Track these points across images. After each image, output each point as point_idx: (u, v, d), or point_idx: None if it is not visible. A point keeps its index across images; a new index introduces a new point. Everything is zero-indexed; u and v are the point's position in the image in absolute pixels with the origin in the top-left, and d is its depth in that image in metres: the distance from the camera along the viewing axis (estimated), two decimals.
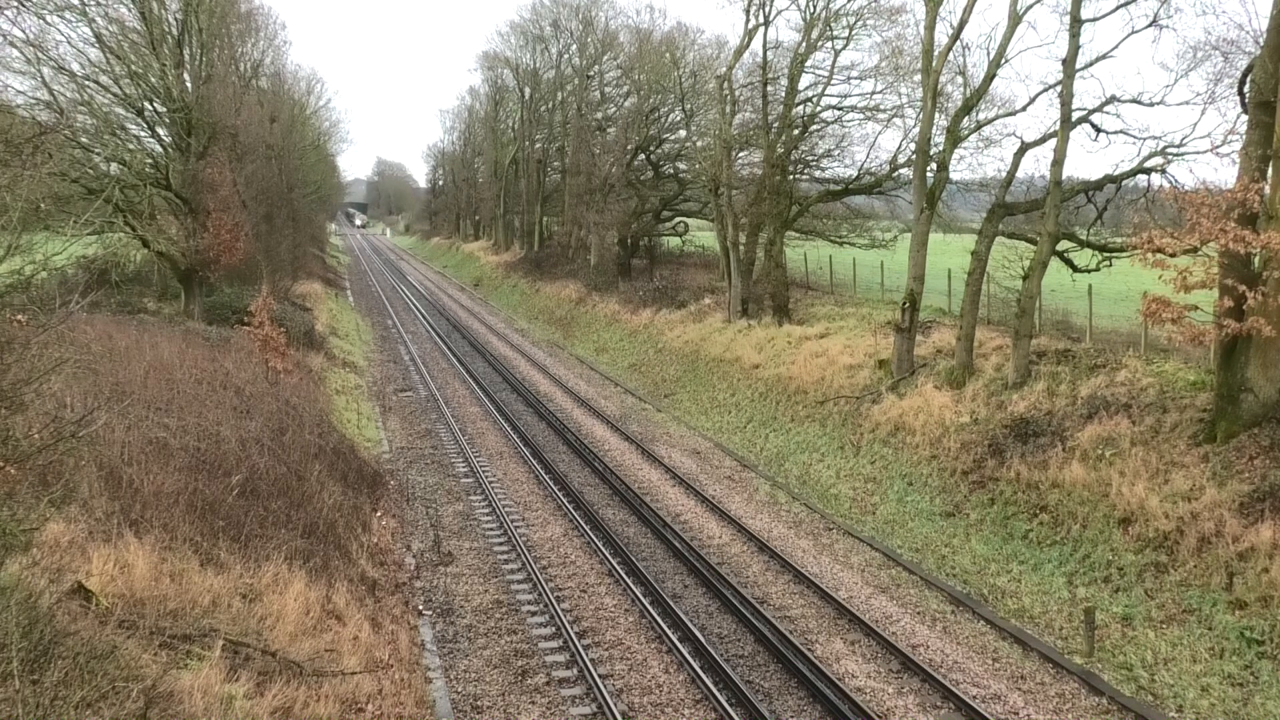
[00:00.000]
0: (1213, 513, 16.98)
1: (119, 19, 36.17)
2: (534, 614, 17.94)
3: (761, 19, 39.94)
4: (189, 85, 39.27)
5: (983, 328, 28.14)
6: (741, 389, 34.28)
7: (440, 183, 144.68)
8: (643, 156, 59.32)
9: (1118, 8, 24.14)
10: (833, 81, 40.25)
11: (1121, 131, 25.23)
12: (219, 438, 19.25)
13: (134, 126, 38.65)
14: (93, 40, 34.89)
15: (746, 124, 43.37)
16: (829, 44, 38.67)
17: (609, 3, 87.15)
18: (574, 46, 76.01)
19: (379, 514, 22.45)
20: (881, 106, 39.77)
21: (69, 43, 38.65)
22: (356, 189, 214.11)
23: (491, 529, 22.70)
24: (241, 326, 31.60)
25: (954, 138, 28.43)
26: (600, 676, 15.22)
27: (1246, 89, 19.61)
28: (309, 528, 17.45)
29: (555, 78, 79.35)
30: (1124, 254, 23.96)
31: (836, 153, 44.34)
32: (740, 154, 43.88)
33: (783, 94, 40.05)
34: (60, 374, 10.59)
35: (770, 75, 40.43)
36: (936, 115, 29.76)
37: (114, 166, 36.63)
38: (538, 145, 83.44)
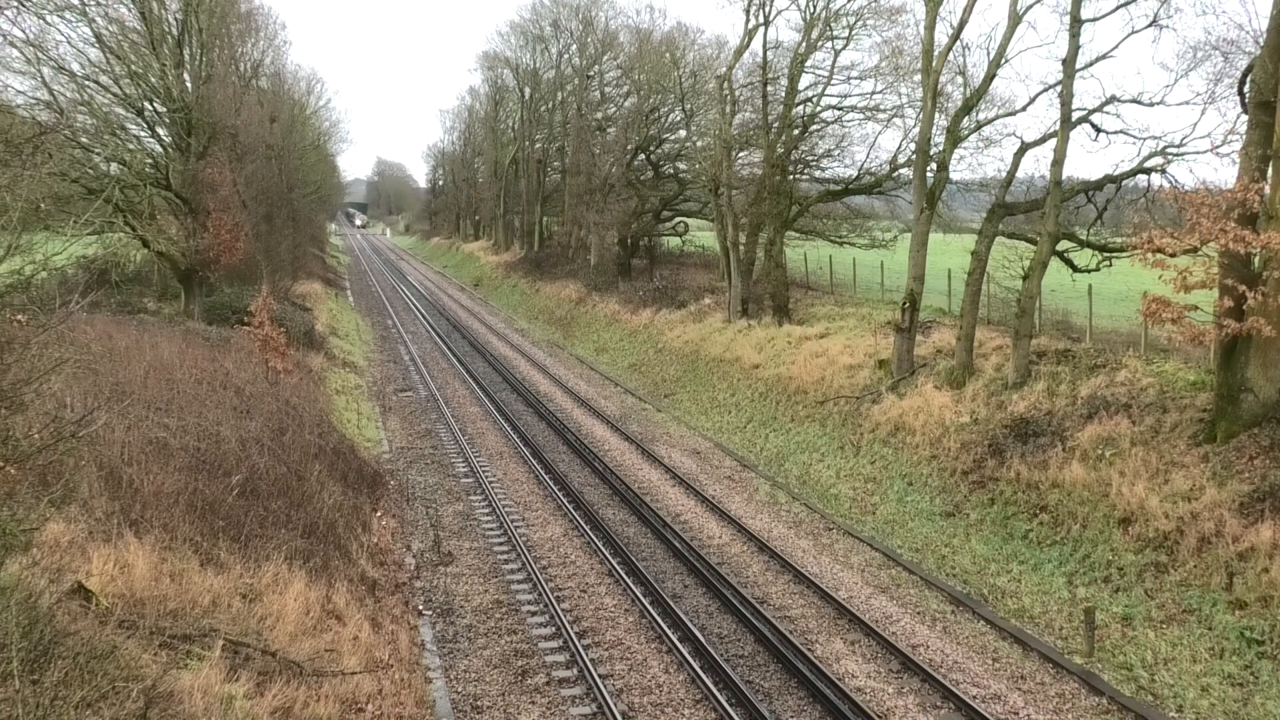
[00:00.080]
0: (1213, 513, 16.98)
1: (119, 19, 36.19)
2: (534, 614, 17.95)
3: (761, 19, 39.99)
4: (189, 85, 39.27)
5: (983, 328, 28.14)
6: (741, 389, 34.28)
7: (440, 183, 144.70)
8: (643, 156, 59.32)
9: (1118, 8, 24.16)
10: (833, 81, 40.31)
11: (1121, 131, 25.26)
12: (219, 438, 19.26)
13: (134, 126, 38.69)
14: (93, 40, 34.93)
15: (746, 124, 43.38)
16: (829, 44, 38.70)
17: (609, 3, 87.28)
18: (574, 46, 76.05)
19: (379, 514, 22.46)
20: (881, 106, 39.82)
21: (69, 43, 38.72)
22: (356, 189, 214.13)
23: (491, 529, 22.70)
24: (241, 326, 31.60)
25: (954, 138, 28.43)
26: (600, 676, 15.22)
27: (1246, 89, 19.61)
28: (309, 528, 17.45)
29: (555, 78, 79.36)
30: (1124, 254, 23.96)
31: (836, 153, 44.40)
32: (740, 154, 43.89)
33: (783, 94, 40.05)
34: (60, 374, 10.59)
35: (770, 75, 40.43)
36: (936, 115, 29.77)
37: (114, 166, 36.64)
38: (538, 145, 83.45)
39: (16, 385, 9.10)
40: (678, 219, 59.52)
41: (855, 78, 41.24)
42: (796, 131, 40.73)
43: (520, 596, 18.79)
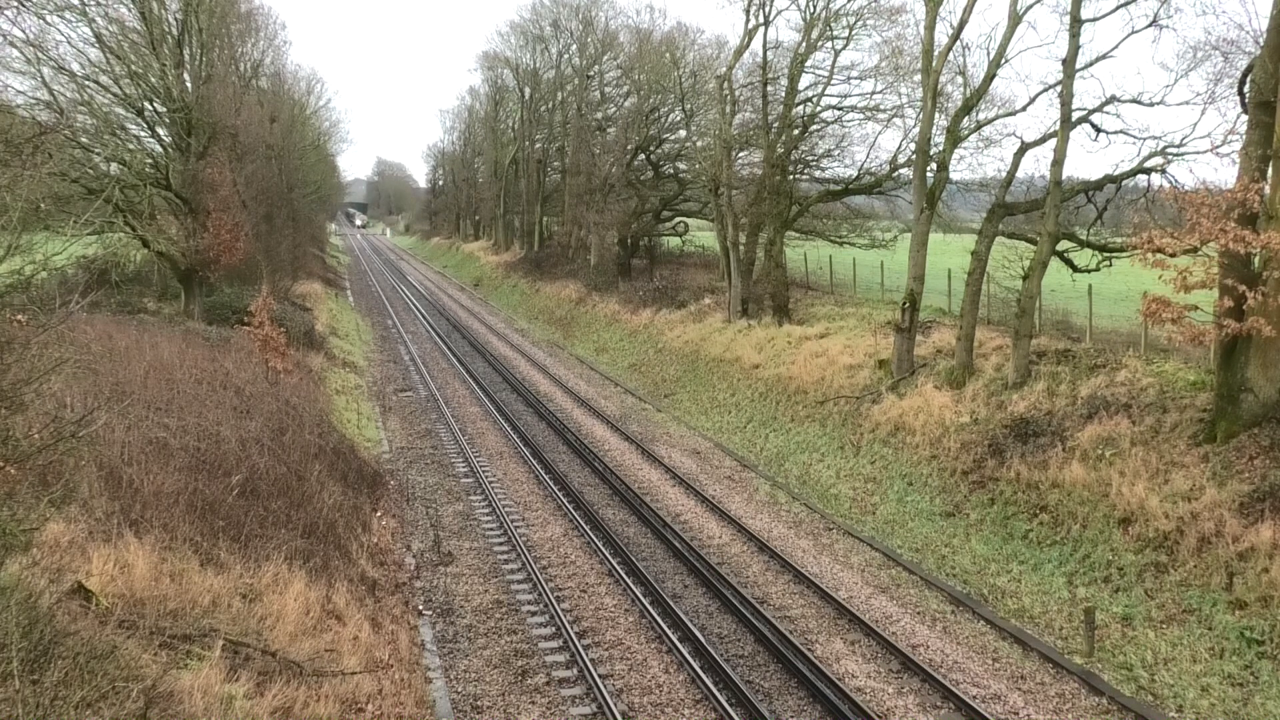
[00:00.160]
0: (1213, 513, 16.98)
1: (119, 19, 36.19)
2: (534, 614, 17.94)
3: (761, 19, 39.99)
4: (189, 85, 39.27)
5: (983, 328, 28.14)
6: (741, 389, 34.28)
7: (440, 183, 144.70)
8: (643, 156, 59.32)
9: (1118, 8, 24.16)
10: (833, 81, 40.31)
11: (1121, 131, 25.26)
12: (219, 438, 19.26)
13: (134, 126, 38.70)
14: (93, 40, 34.93)
15: (746, 124, 43.38)
16: (829, 44, 38.70)
17: (609, 3, 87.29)
18: (574, 46, 76.05)
19: (379, 514, 22.46)
20: (881, 106, 39.82)
21: (69, 43, 38.74)
22: (356, 189, 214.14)
23: (491, 529, 22.70)
24: (241, 326, 31.60)
25: (954, 138, 28.43)
26: (600, 676, 15.22)
27: (1246, 89, 19.61)
28: (309, 528, 17.45)
29: (555, 78, 79.37)
30: (1124, 254, 23.96)
31: (836, 153, 44.41)
32: (740, 154, 43.89)
33: (783, 94, 40.06)
34: (60, 374, 10.59)
35: (770, 75, 40.43)
36: (936, 115, 29.77)
37: (114, 166, 36.64)
38: (538, 145, 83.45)
39: (16, 385, 9.10)
40: (678, 219, 59.52)
41: (855, 78, 41.31)
42: (796, 131, 40.73)
43: (520, 596, 18.79)
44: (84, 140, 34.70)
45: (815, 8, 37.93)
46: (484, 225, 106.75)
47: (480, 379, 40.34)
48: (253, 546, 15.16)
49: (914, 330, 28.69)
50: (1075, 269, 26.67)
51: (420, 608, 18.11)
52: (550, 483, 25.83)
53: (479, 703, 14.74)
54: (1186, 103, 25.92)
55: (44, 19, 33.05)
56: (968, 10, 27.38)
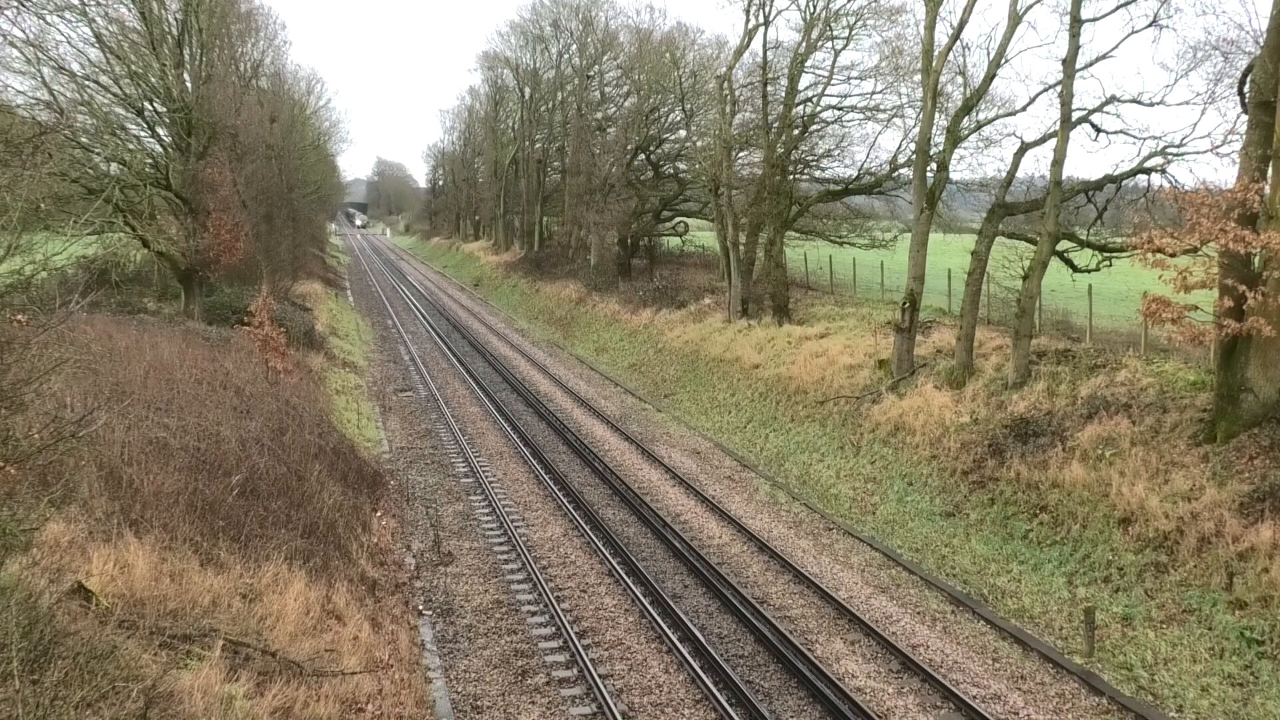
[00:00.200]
0: (1213, 513, 16.98)
1: (119, 19, 36.19)
2: (534, 614, 17.94)
3: (761, 19, 40.00)
4: (189, 85, 39.27)
5: (983, 328, 28.14)
6: (741, 389, 34.28)
7: (440, 183, 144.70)
8: (643, 156, 59.32)
9: (1118, 8, 24.16)
10: (833, 81, 40.31)
11: (1121, 131, 25.26)
12: (219, 438, 19.25)
13: (134, 126, 38.70)
14: (93, 40, 34.93)
15: (746, 124, 43.38)
16: (829, 44, 38.70)
17: (609, 3, 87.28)
18: (574, 46, 76.05)
19: (379, 514, 22.46)
20: (881, 106, 39.82)
21: (69, 43, 38.74)
22: (356, 189, 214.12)
23: (491, 529, 22.70)
24: (241, 326, 31.60)
25: (954, 138, 28.44)
26: (600, 676, 15.22)
27: (1246, 89, 19.61)
28: (309, 528, 17.45)
29: (555, 78, 79.37)
30: (1124, 254, 23.96)
31: (836, 153, 44.41)
32: (740, 154, 43.89)
33: (783, 94, 40.06)
34: (60, 374, 10.59)
35: (770, 75, 40.43)
36: (936, 115, 29.77)
37: (114, 166, 36.64)
38: (538, 145, 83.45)
39: (16, 385, 9.10)
40: (678, 219, 59.52)
41: (855, 78, 41.31)
42: (796, 131, 40.73)
43: (520, 596, 18.79)
44: (84, 140, 34.70)
45: (815, 8, 37.96)
46: (484, 225, 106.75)
47: (480, 379, 40.33)
48: (253, 546, 15.16)
49: (914, 330, 28.69)
50: (1075, 269, 26.67)
51: (420, 608, 18.11)
52: (550, 483, 25.83)
53: (479, 703, 14.74)
54: (1186, 103, 25.94)
55: (44, 19, 33.10)
56: (968, 10, 27.40)
